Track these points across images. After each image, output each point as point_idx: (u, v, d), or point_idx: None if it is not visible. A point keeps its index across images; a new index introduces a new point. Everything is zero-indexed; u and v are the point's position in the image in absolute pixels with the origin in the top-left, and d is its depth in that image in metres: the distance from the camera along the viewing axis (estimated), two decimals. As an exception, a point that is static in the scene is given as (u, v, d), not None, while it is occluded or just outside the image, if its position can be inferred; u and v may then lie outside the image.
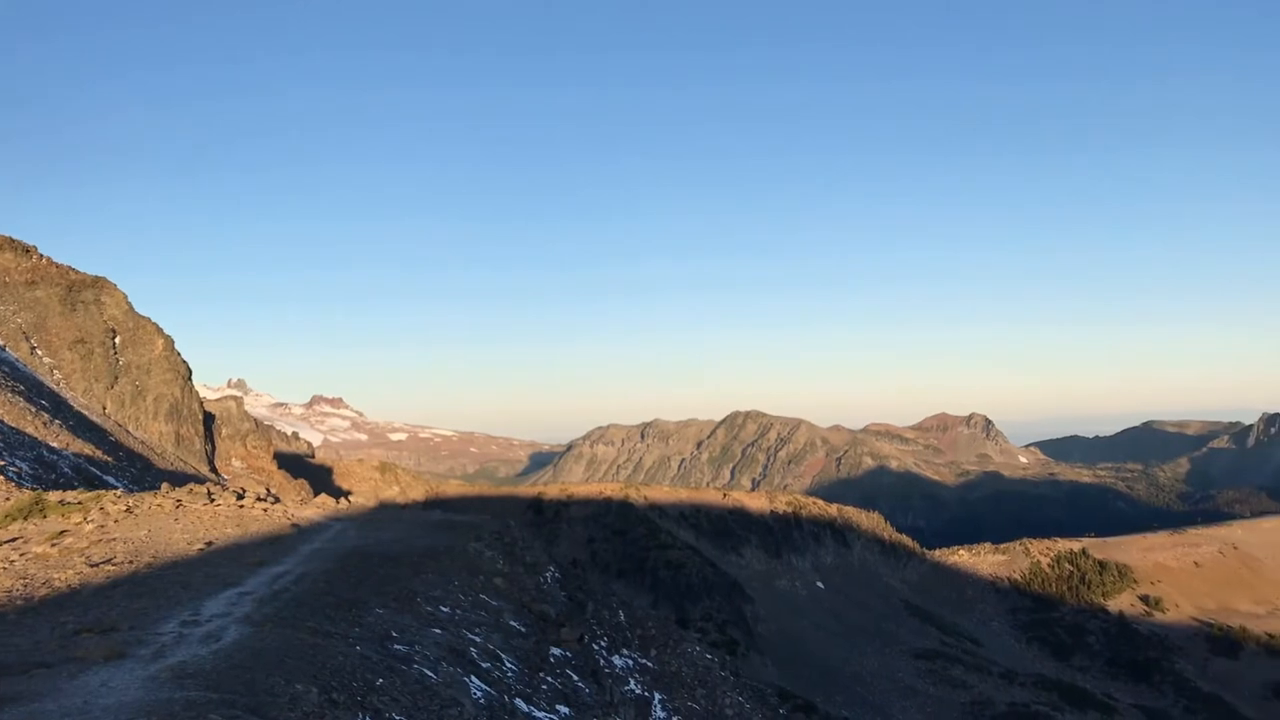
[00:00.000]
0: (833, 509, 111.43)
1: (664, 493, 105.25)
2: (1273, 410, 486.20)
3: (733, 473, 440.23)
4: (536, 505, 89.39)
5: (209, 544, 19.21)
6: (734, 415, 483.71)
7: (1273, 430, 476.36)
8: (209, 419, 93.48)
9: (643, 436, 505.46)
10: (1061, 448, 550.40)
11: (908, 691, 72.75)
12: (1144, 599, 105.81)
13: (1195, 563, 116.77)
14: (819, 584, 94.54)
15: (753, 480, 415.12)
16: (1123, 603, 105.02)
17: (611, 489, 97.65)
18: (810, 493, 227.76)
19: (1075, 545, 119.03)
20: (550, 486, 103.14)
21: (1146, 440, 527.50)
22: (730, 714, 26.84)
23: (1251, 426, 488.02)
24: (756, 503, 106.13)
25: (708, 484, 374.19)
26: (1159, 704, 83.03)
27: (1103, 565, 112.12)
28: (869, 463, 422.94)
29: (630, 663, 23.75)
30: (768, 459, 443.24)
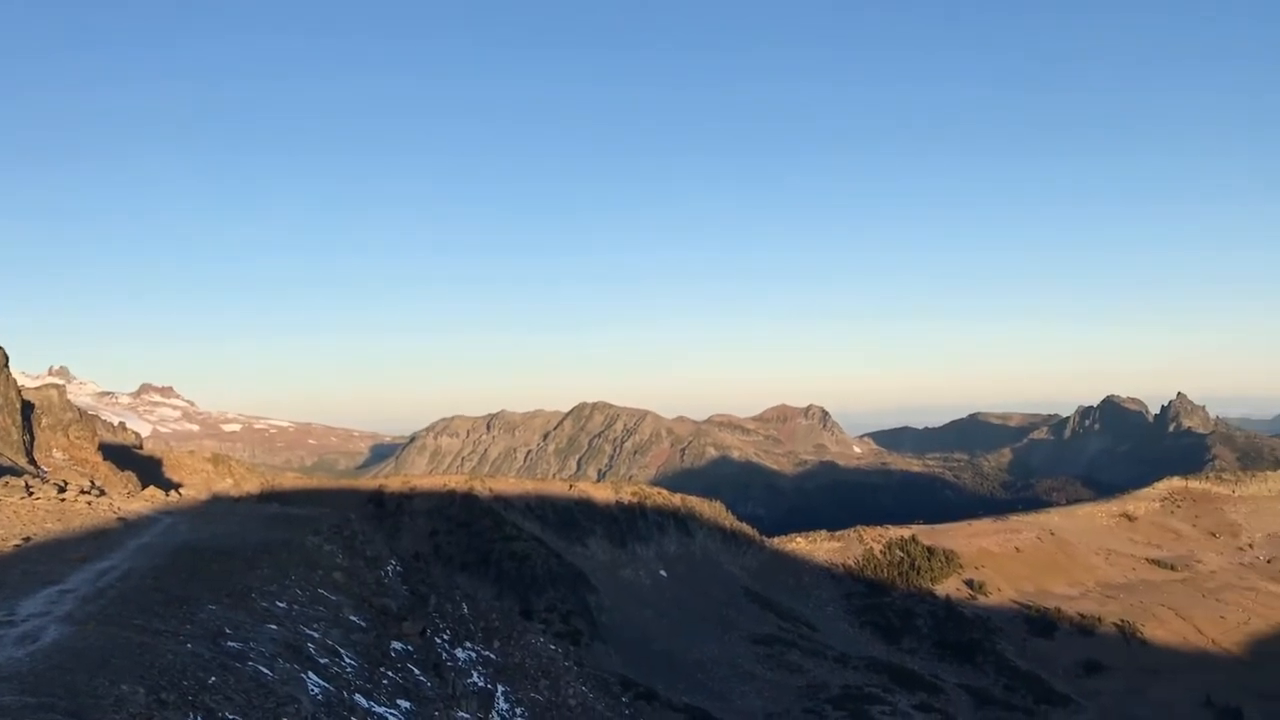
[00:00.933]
0: (677, 498, 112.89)
1: (509, 484, 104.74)
2: (1087, 403, 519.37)
3: (579, 464, 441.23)
4: (377, 498, 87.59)
5: (26, 540, 18.24)
6: (581, 406, 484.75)
7: (1087, 422, 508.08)
8: (28, 408, 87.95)
9: (488, 428, 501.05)
10: (893, 438, 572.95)
11: (746, 676, 74.49)
12: (969, 583, 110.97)
13: (1016, 548, 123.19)
14: (662, 573, 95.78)
15: (599, 471, 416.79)
16: (949, 587, 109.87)
17: (456, 481, 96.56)
18: (655, 483, 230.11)
19: (905, 532, 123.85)
20: (392, 478, 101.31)
21: (972, 431, 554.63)
22: (574, 704, 27.06)
23: (1068, 419, 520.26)
24: (602, 493, 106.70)
25: (554, 475, 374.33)
26: (981, 683, 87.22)
27: (931, 551, 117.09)
28: (712, 453, 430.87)
29: (473, 655, 23.68)
30: (614, 450, 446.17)
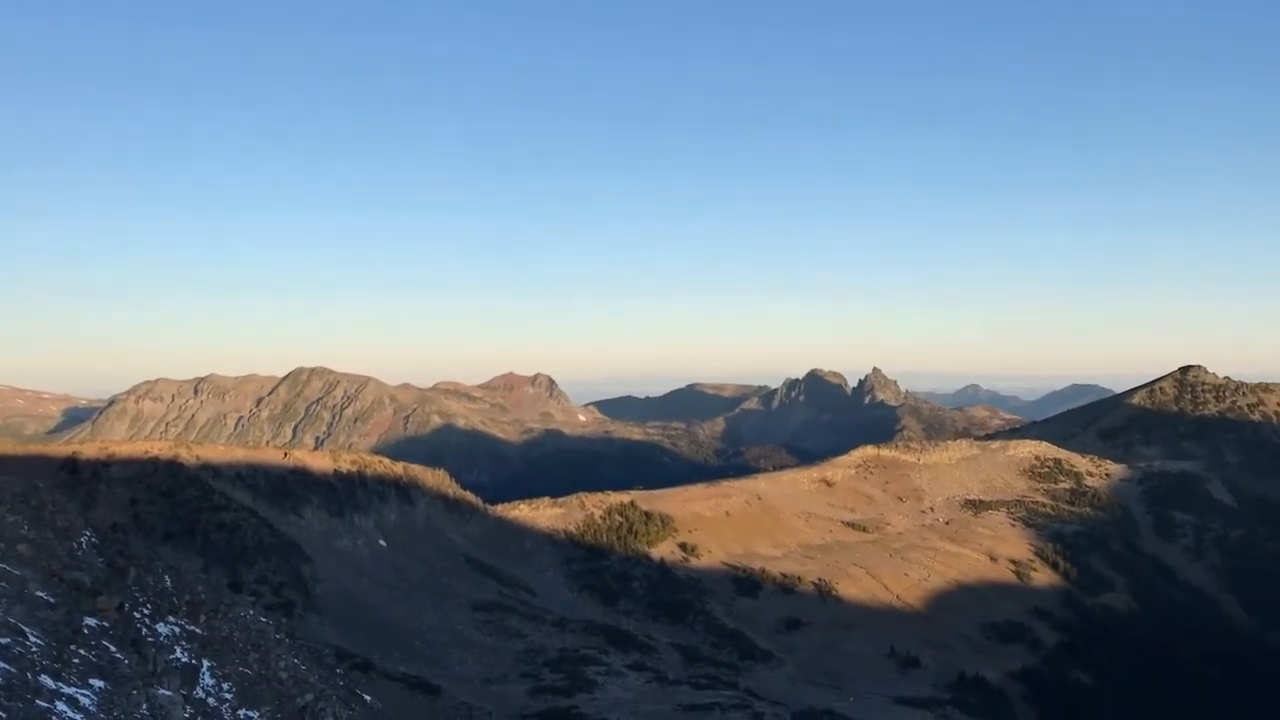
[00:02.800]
0: (399, 467, 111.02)
1: (219, 452, 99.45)
2: (794, 376, 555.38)
3: (295, 431, 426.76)
4: (71, 465, 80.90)
5: None
6: (298, 371, 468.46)
7: (793, 394, 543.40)
8: None
9: (196, 392, 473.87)
10: (617, 407, 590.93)
11: (466, 643, 74.69)
12: (682, 546, 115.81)
13: (726, 512, 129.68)
14: (382, 542, 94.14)
15: (317, 439, 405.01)
16: (664, 550, 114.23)
17: (159, 447, 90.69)
18: (377, 451, 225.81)
19: (625, 498, 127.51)
20: (87, 444, 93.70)
21: (690, 401, 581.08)
22: (285, 676, 26.31)
23: (776, 390, 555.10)
24: (319, 462, 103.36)
25: (268, 443, 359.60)
26: (691, 641, 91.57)
27: (648, 516, 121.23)
28: (437, 421, 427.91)
29: (177, 630, 22.52)
30: (333, 417, 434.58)
